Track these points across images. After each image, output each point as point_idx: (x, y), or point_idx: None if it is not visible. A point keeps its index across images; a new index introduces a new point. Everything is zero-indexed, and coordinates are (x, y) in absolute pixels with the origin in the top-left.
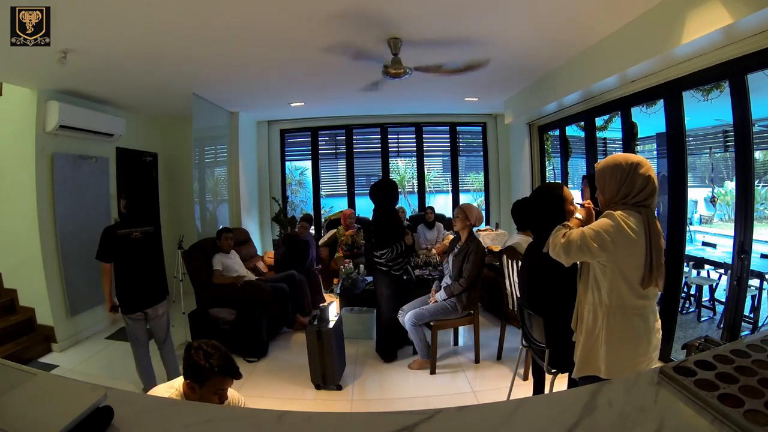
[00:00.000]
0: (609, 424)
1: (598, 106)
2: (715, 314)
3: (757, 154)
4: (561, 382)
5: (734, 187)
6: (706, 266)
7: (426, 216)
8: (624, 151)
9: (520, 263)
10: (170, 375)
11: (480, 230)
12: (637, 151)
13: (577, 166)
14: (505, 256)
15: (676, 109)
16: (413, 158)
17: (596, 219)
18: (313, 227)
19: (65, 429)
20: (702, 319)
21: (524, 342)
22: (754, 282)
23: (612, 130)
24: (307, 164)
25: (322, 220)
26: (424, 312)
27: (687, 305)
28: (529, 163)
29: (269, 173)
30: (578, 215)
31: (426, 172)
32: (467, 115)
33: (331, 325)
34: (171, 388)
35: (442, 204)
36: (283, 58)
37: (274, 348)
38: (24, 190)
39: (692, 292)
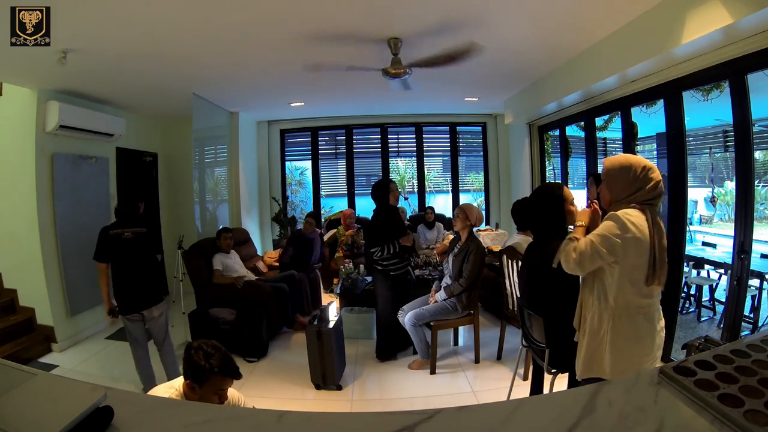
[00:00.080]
0: (609, 424)
1: (598, 106)
2: (715, 314)
3: (757, 154)
4: (561, 382)
5: (734, 187)
6: (706, 266)
7: (426, 216)
8: (624, 152)
9: (520, 263)
10: (169, 375)
11: (480, 230)
12: (637, 152)
13: (577, 166)
14: (505, 256)
15: (676, 109)
16: (413, 158)
17: (602, 219)
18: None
19: (65, 429)
20: (702, 319)
21: (524, 342)
22: (754, 282)
23: (612, 130)
24: (307, 164)
25: (322, 220)
26: (424, 312)
27: (687, 305)
28: (529, 163)
29: (269, 173)
30: (581, 222)
31: (426, 172)
32: (467, 115)
33: (331, 325)
34: (171, 388)
35: (442, 204)
36: (283, 58)
37: (274, 348)
38: (24, 190)
39: (692, 292)
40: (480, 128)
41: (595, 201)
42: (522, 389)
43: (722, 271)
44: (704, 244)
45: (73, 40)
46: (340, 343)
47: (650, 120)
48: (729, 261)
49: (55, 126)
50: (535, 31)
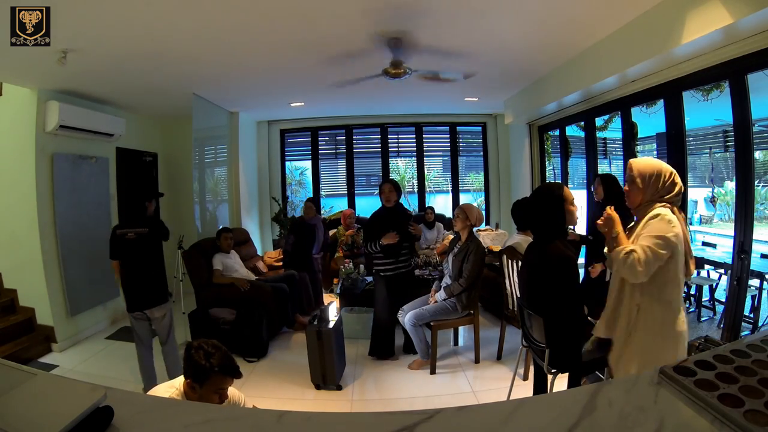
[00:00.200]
0: (609, 424)
1: (598, 106)
2: (715, 314)
3: (757, 154)
4: (561, 382)
5: (734, 187)
6: (706, 266)
7: (426, 216)
8: (624, 152)
9: (520, 263)
10: (171, 374)
11: (480, 230)
12: (638, 152)
13: (577, 166)
14: (505, 256)
15: (676, 109)
16: (413, 158)
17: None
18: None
19: (65, 429)
20: (702, 319)
21: (524, 342)
22: (754, 282)
23: (612, 130)
24: (307, 164)
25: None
26: (424, 312)
27: (687, 305)
28: (529, 163)
29: (269, 173)
30: (618, 230)
31: (426, 172)
32: (467, 115)
33: (331, 325)
34: (171, 387)
35: (442, 204)
36: (283, 58)
37: (274, 348)
38: (24, 190)
39: (692, 292)
40: (480, 128)
41: (611, 206)
42: (522, 389)
43: (722, 271)
44: (704, 244)
45: (73, 40)
46: (340, 343)
47: (650, 120)
48: (729, 261)
49: (55, 126)
50: (536, 31)
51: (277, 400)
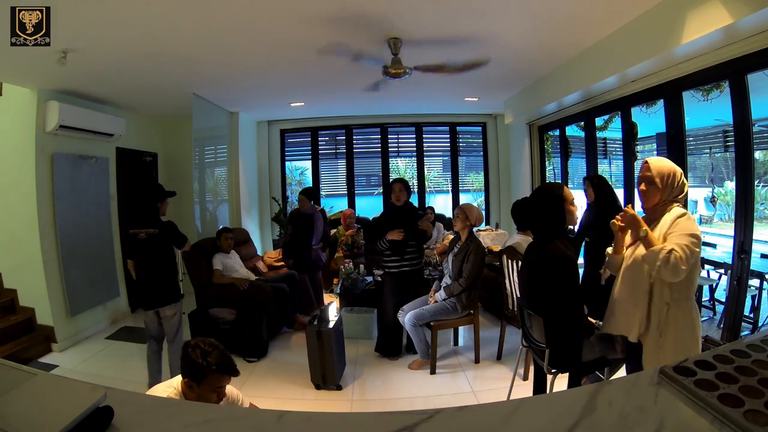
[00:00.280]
0: (609, 424)
1: (598, 106)
2: (715, 314)
3: (757, 154)
4: (561, 382)
5: (734, 187)
6: (706, 266)
7: (426, 216)
8: (624, 152)
9: (520, 263)
10: (173, 372)
11: (480, 230)
12: (638, 152)
13: (577, 166)
14: (505, 256)
15: (676, 109)
16: (413, 158)
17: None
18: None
19: (65, 429)
20: (702, 319)
21: (524, 342)
22: (754, 282)
23: (612, 130)
24: (307, 164)
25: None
26: (424, 312)
27: None
28: (529, 163)
29: (269, 173)
30: (646, 228)
31: (426, 172)
32: (467, 115)
33: (331, 325)
34: (170, 387)
35: (442, 204)
36: (283, 58)
37: (274, 348)
38: (24, 190)
39: None
40: (480, 128)
41: (629, 206)
42: (522, 389)
43: (722, 271)
44: (704, 244)
45: (73, 40)
46: (340, 343)
47: (650, 120)
48: (729, 261)
49: (55, 126)
50: (536, 31)
51: (277, 400)
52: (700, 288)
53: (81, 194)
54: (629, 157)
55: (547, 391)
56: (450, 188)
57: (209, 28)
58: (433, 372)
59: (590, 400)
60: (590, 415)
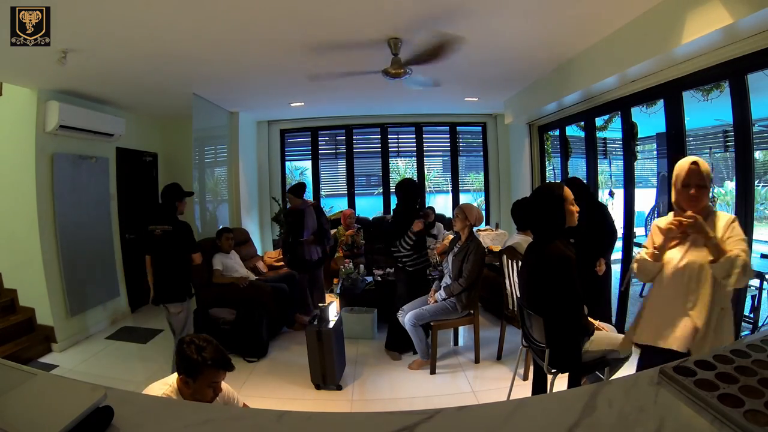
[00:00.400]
0: (609, 424)
1: (598, 106)
2: None
3: (757, 154)
4: (561, 382)
5: (734, 187)
6: None
7: (426, 216)
8: (624, 152)
9: (520, 263)
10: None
11: (480, 230)
12: (638, 152)
13: (577, 166)
14: (505, 256)
15: (676, 109)
16: (413, 158)
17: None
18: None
19: (65, 429)
20: None
21: (524, 342)
22: (754, 282)
23: (612, 130)
24: (307, 164)
25: None
26: (424, 312)
27: None
28: (529, 163)
29: (269, 173)
30: (714, 235)
31: (426, 172)
32: (467, 115)
33: (331, 325)
34: (165, 384)
35: (442, 204)
36: (283, 58)
37: (274, 348)
38: (24, 190)
39: None
40: (480, 128)
41: (689, 211)
42: (522, 389)
43: None
44: None
45: (73, 40)
46: (340, 343)
47: (650, 120)
48: None
49: (55, 126)
50: (535, 31)
51: (277, 400)
52: None
53: (81, 194)
54: (629, 157)
55: (547, 391)
56: (450, 188)
57: (209, 28)
58: (433, 372)
59: (590, 400)
60: (590, 415)
